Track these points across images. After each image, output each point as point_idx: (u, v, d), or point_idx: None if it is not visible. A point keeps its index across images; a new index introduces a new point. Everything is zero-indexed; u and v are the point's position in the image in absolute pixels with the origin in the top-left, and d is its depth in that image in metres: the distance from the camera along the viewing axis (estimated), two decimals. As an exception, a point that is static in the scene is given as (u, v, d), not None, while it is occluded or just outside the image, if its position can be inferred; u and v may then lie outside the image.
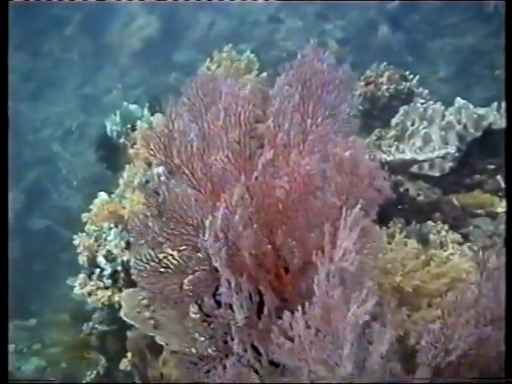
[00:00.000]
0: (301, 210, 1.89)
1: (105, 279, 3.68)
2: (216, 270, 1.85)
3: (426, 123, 4.01)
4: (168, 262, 1.85)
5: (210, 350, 1.95)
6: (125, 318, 2.95)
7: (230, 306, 1.79)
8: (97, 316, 4.12)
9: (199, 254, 1.89)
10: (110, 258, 3.69)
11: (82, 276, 3.80)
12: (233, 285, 1.68)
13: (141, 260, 1.83)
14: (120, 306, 3.60)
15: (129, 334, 3.47)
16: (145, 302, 2.96)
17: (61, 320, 5.71)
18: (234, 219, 1.75)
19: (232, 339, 1.77)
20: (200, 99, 2.00)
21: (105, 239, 3.81)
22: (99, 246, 3.82)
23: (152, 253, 1.85)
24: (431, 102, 4.28)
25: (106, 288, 3.68)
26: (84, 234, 3.92)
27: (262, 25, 12.08)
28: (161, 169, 3.62)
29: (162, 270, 1.85)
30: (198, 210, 1.86)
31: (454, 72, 10.22)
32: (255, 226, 1.84)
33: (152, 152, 1.87)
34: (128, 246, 3.71)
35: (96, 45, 12.23)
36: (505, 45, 2.86)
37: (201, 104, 2.00)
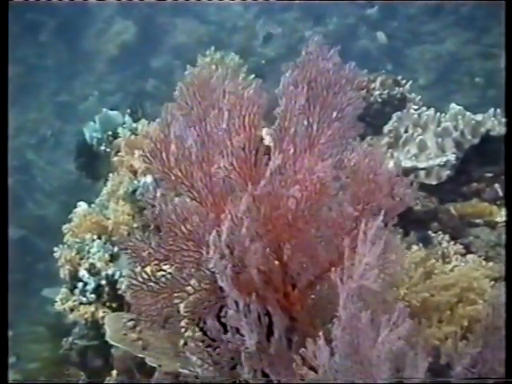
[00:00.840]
0: (311, 221, 1.74)
1: (88, 294, 3.47)
2: (220, 289, 1.69)
3: (420, 130, 3.88)
4: (167, 281, 1.68)
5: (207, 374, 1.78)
6: (111, 342, 2.75)
7: (237, 330, 1.62)
8: (77, 331, 3.91)
9: (201, 271, 1.72)
10: (93, 271, 3.48)
11: (63, 291, 3.58)
12: (241, 306, 1.50)
13: (135, 279, 1.65)
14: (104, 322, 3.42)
15: (114, 351, 3.29)
16: (130, 324, 2.78)
17: (37, 332, 5.50)
18: (241, 232, 1.59)
19: (240, 365, 1.60)
20: (198, 102, 1.83)
21: (88, 252, 3.60)
22: (81, 258, 3.61)
23: (148, 271, 1.67)
24: (424, 108, 4.15)
25: (90, 303, 3.47)
26: (65, 246, 3.71)
27: (240, 31, 11.95)
28: (148, 178, 3.46)
29: (160, 289, 1.67)
30: (199, 223, 1.69)
31: (433, 79, 10.19)
32: (262, 240, 1.68)
33: (147, 160, 1.70)
34: (112, 258, 3.52)
35: (72, 51, 11.99)
36: (505, 45, 2.75)
37: (198, 107, 1.83)
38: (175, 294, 1.66)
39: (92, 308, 3.44)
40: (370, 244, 1.50)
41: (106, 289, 3.46)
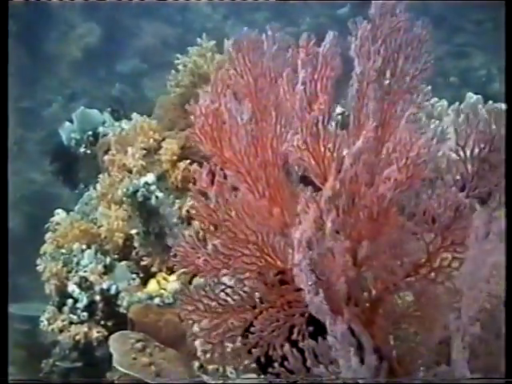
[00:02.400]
0: (400, 213, 1.37)
1: (79, 312, 3.04)
2: (288, 304, 1.31)
3: (435, 121, 3.55)
4: (228, 297, 1.28)
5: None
6: (119, 368, 2.35)
7: (315, 356, 1.24)
8: (57, 351, 3.46)
9: (264, 283, 1.34)
10: (84, 286, 3.05)
11: (50, 309, 3.13)
12: (339, 329, 1.12)
13: (189, 296, 1.25)
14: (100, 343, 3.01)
15: (110, 376, 2.88)
16: (138, 345, 2.39)
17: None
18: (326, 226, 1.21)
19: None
20: (248, 69, 1.46)
21: (77, 263, 3.17)
22: (69, 271, 3.18)
23: (206, 284, 1.27)
24: (436, 99, 3.83)
25: (81, 322, 3.04)
26: (49, 257, 3.28)
27: (209, 32, 11.57)
28: (149, 177, 3.05)
29: (221, 309, 1.27)
30: (262, 221, 1.31)
31: (407, 79, 9.94)
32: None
33: (197, 137, 1.30)
34: (107, 270, 3.10)
35: (33, 55, 11.45)
36: (505, 45, 2.57)
37: (249, 76, 1.46)
38: (238, 314, 1.27)
39: (84, 328, 3.02)
40: (497, 239, 1.15)
41: (100, 305, 3.04)
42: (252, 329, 1.26)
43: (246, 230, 1.27)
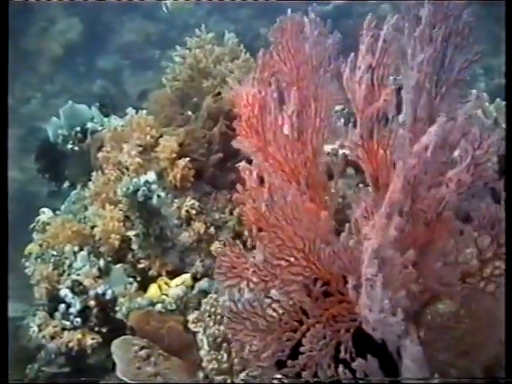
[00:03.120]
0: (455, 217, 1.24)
1: (72, 317, 2.85)
2: (333, 318, 1.16)
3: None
4: (274, 313, 1.13)
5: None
6: (124, 379, 2.17)
7: (366, 375, 1.11)
8: (42, 356, 3.27)
9: (308, 295, 1.19)
10: (77, 290, 2.86)
11: (41, 314, 2.94)
12: (414, 351, 0.98)
13: (236, 313, 1.09)
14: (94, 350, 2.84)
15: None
16: (142, 353, 2.23)
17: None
18: (388, 233, 1.07)
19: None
20: (291, 56, 1.31)
21: (69, 266, 2.99)
22: (60, 275, 3.00)
23: (253, 299, 1.12)
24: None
25: (75, 329, 2.85)
26: (39, 259, 3.09)
27: (192, 29, 11.37)
28: (150, 175, 2.88)
29: (269, 327, 1.12)
30: (309, 226, 1.16)
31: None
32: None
33: (243, 131, 1.15)
34: (101, 273, 2.92)
35: (12, 50, 11.17)
36: (505, 44, 2.48)
37: (292, 63, 1.31)
38: (287, 333, 1.12)
39: (78, 334, 2.83)
40: None
41: (95, 311, 2.85)
42: (302, 348, 1.11)
43: (294, 237, 1.12)
